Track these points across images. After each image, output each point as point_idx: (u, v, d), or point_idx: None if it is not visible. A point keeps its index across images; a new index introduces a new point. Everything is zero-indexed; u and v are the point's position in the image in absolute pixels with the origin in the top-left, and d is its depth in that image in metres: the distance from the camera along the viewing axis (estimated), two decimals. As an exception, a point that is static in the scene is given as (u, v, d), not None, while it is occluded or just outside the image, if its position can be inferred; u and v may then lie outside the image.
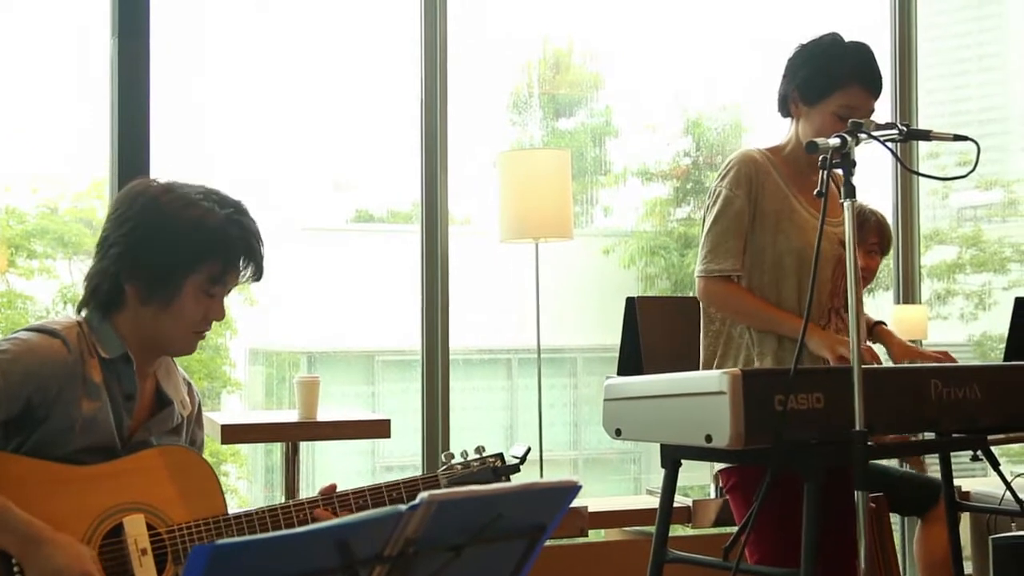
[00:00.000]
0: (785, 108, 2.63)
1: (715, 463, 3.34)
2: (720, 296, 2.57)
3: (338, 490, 2.09)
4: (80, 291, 2.08)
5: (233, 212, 2.02)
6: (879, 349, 2.73)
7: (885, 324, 2.81)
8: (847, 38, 2.60)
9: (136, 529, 1.90)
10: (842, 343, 2.39)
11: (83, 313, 2.03)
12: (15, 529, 1.81)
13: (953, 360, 2.54)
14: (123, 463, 1.95)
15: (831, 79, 2.53)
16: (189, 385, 2.20)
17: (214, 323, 2.08)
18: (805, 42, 2.62)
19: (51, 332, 1.95)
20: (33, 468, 1.88)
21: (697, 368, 2.63)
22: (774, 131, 2.70)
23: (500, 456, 2.22)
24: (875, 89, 2.55)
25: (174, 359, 2.17)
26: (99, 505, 1.90)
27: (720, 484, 3.42)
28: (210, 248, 1.98)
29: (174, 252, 1.96)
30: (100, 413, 1.95)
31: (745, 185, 2.56)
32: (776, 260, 2.55)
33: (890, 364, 2.65)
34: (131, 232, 1.97)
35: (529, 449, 2.24)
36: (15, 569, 1.83)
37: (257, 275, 2.07)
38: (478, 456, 2.22)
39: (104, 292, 2.00)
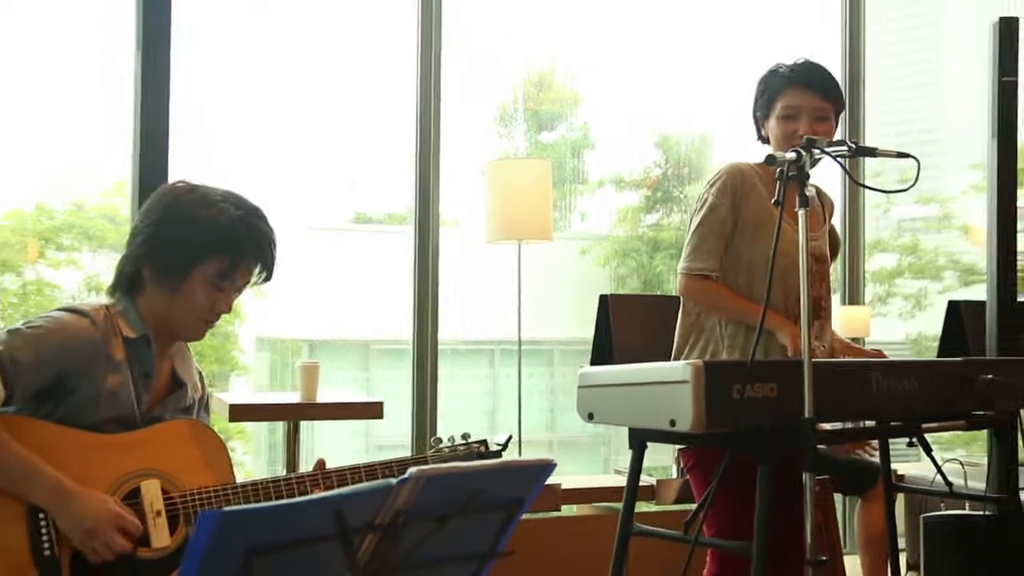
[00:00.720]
0: (759, 134, 2.66)
1: (677, 445, 3.35)
2: (699, 291, 2.57)
3: (335, 466, 2.09)
4: (103, 281, 2.10)
5: (246, 214, 2.03)
6: None
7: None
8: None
9: (152, 492, 1.91)
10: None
11: (113, 296, 2.05)
12: (46, 483, 1.82)
13: (885, 357, 2.56)
14: (142, 433, 1.97)
15: (773, 89, 2.58)
16: (200, 374, 2.22)
17: (224, 315, 2.09)
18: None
19: (80, 312, 1.97)
20: (61, 434, 1.89)
21: (662, 359, 2.63)
22: (737, 146, 2.72)
23: (484, 442, 2.23)
24: (811, 85, 2.55)
25: (189, 347, 2.17)
26: (119, 470, 1.91)
27: (681, 464, 3.43)
28: (219, 243, 1.99)
29: (186, 243, 1.98)
30: (122, 388, 1.96)
31: (730, 195, 2.56)
32: (749, 264, 2.55)
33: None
34: (153, 223, 2.01)
35: (511, 437, 2.25)
36: (42, 523, 1.83)
37: (267, 276, 2.08)
38: (464, 442, 2.22)
39: (127, 275, 2.03)
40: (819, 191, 2.78)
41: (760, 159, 2.65)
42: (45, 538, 1.83)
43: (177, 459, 1.96)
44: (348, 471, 2.08)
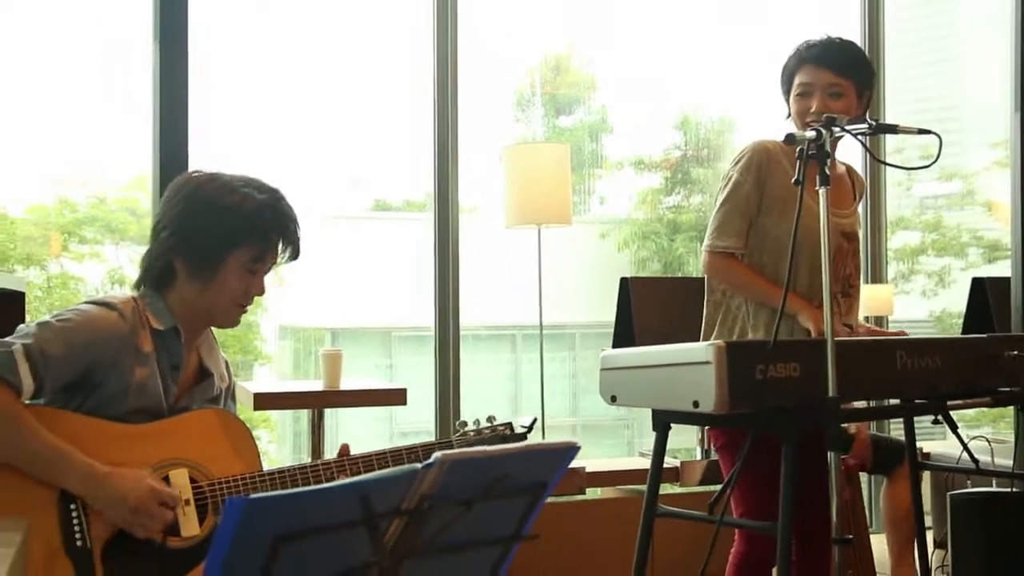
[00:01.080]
0: (789, 112, 2.65)
1: (702, 426, 3.33)
2: (722, 270, 2.56)
3: (360, 452, 2.10)
4: (126, 273, 2.11)
5: (269, 198, 2.03)
6: None
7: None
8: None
9: (181, 481, 1.92)
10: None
11: (140, 290, 2.06)
12: (78, 469, 1.83)
13: None
14: (170, 423, 1.98)
15: (790, 67, 2.58)
16: (226, 363, 2.23)
17: (256, 299, 2.10)
18: None
19: (109, 305, 1.97)
20: (90, 425, 1.90)
21: (684, 341, 2.62)
22: (758, 126, 2.70)
23: (509, 425, 2.23)
24: (823, 62, 2.53)
25: (215, 336, 2.18)
26: (148, 459, 1.92)
27: (709, 444, 3.42)
28: (248, 229, 2.00)
29: (216, 233, 1.99)
30: (150, 379, 1.97)
31: (755, 172, 2.54)
32: (776, 241, 2.53)
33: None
34: (179, 216, 2.00)
35: (535, 420, 2.25)
36: (73, 514, 1.85)
37: (295, 255, 2.09)
38: (489, 425, 2.22)
39: (157, 270, 2.03)
40: (850, 169, 2.76)
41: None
42: (77, 529, 1.84)
43: (204, 448, 1.97)
44: (374, 456, 2.09)
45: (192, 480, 1.94)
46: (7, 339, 1.87)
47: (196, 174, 2.07)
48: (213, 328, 2.16)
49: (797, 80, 2.56)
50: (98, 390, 1.92)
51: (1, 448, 1.81)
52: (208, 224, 1.98)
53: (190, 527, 1.91)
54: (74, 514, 1.85)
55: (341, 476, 2.04)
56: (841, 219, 2.58)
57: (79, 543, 1.83)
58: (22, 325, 1.93)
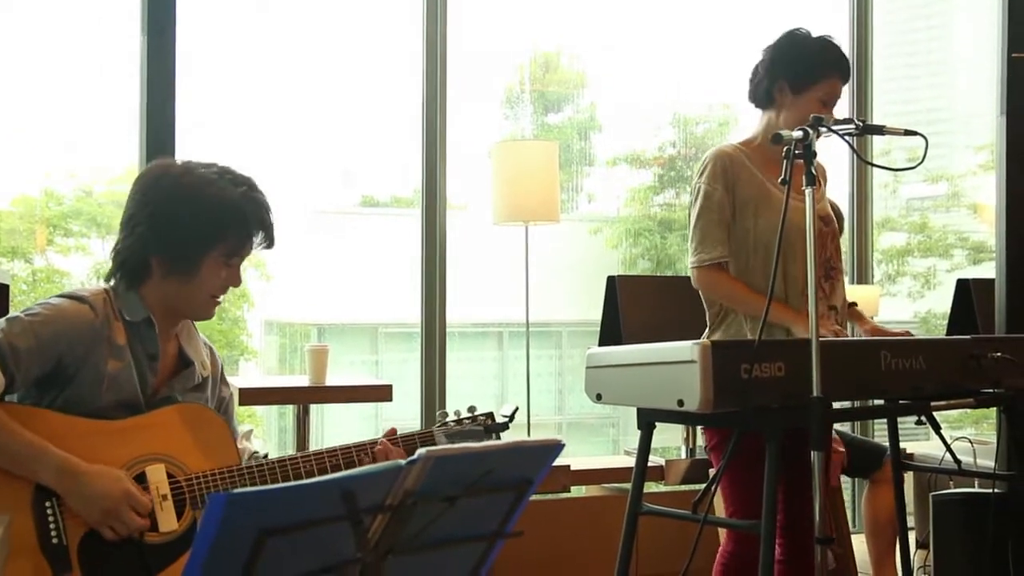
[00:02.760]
0: (768, 98, 2.59)
1: (687, 425, 3.34)
2: (711, 284, 2.56)
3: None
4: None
5: (247, 189, 2.02)
6: (851, 327, 2.74)
7: (856, 305, 2.80)
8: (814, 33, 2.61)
9: (157, 477, 1.91)
10: (822, 326, 2.42)
11: (111, 282, 2.04)
12: (54, 463, 1.82)
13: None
14: (145, 418, 1.95)
15: (819, 70, 2.54)
16: (210, 349, 2.21)
17: (233, 293, 2.08)
18: (782, 37, 2.60)
19: (79, 298, 1.95)
20: (64, 422, 1.88)
21: (671, 339, 2.63)
22: (749, 122, 2.69)
23: (491, 415, 2.23)
24: (847, 78, 2.60)
25: (195, 324, 2.16)
26: (124, 456, 1.90)
27: (695, 442, 3.44)
28: (227, 224, 1.98)
29: (195, 229, 1.97)
30: (124, 372, 1.95)
31: (721, 178, 2.55)
32: (759, 241, 2.54)
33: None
34: (155, 212, 1.98)
35: (517, 408, 2.25)
36: (48, 510, 1.83)
37: (269, 243, 2.08)
38: (470, 415, 2.22)
39: (131, 266, 2.01)
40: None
41: (742, 138, 2.65)
42: (52, 525, 1.82)
43: (180, 443, 1.95)
44: (353, 448, 2.08)
45: (169, 475, 1.93)
46: None
47: (168, 165, 2.04)
48: None
49: (825, 88, 2.53)
50: (71, 383, 1.90)
51: None
52: (186, 223, 1.96)
53: (168, 522, 1.90)
54: (48, 511, 1.83)
55: (320, 472, 2.04)
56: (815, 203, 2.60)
57: (55, 540, 1.82)
58: None
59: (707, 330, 2.64)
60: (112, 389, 1.93)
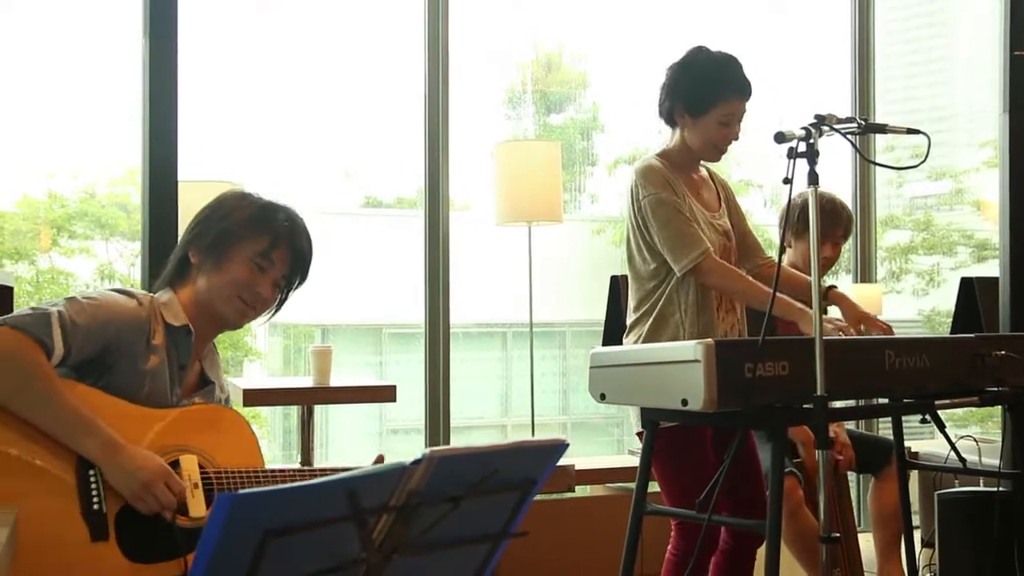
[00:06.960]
0: (670, 118, 2.65)
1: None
2: (718, 269, 2.55)
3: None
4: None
5: (284, 214, 2.13)
6: (834, 311, 2.74)
7: (836, 287, 2.80)
8: (713, 49, 2.61)
9: (190, 465, 1.98)
10: (829, 323, 2.46)
11: (156, 290, 2.15)
12: (100, 436, 1.88)
13: (892, 333, 2.55)
14: (182, 411, 2.04)
15: (713, 94, 2.56)
16: (223, 379, 2.30)
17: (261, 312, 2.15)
18: (680, 60, 2.64)
19: (129, 293, 2.06)
20: (106, 400, 1.95)
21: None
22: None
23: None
24: (748, 95, 2.59)
25: (217, 351, 2.24)
26: (160, 441, 1.97)
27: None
28: (257, 225, 2.09)
29: (227, 223, 2.09)
30: (160, 369, 2.03)
31: (664, 185, 2.58)
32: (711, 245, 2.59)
33: (851, 335, 2.66)
34: (201, 216, 2.14)
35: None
36: (92, 478, 1.88)
37: (303, 273, 2.18)
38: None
39: (175, 262, 2.14)
40: (711, 173, 2.78)
41: (658, 150, 2.68)
42: (95, 492, 1.88)
43: (212, 440, 2.02)
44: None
45: (201, 467, 1.99)
46: (43, 304, 1.94)
47: (234, 190, 2.20)
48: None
49: (723, 110, 2.55)
50: (108, 373, 1.97)
51: (28, 404, 1.85)
52: (221, 218, 2.10)
53: (198, 508, 1.96)
54: (92, 478, 1.88)
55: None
56: (716, 220, 2.64)
57: (96, 506, 1.87)
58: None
59: (633, 330, 2.66)
60: (147, 384, 2.00)
